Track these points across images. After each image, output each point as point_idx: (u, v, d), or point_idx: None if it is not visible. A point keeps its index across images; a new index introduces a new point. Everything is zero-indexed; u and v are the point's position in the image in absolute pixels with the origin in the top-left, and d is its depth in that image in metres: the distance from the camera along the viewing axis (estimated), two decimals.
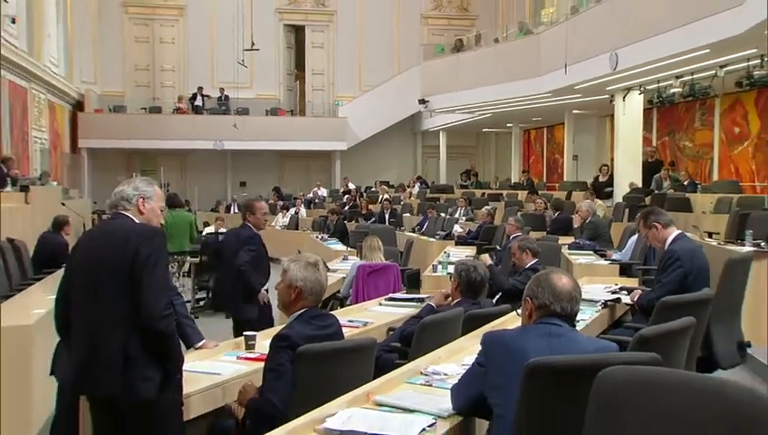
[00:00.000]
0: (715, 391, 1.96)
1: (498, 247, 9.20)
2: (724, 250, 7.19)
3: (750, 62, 11.58)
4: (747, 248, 7.14)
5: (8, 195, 10.26)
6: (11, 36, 15.10)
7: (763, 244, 7.56)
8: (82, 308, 3.09)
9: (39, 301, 5.72)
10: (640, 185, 14.48)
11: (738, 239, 8.13)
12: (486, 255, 6.39)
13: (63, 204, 11.37)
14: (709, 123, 15.89)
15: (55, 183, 14.84)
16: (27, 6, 16.84)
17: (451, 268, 5.07)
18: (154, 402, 2.98)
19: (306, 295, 3.31)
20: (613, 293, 5.42)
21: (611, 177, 15.15)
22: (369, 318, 4.94)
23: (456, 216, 14.23)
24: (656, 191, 13.53)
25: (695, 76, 13.04)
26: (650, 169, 14.31)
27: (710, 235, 8.76)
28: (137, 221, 3.16)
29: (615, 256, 7.96)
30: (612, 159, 16.15)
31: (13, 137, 15.15)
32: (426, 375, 3.23)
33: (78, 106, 22.34)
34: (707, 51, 11.27)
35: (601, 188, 14.77)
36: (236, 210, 19.96)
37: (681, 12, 11.42)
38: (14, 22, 15.14)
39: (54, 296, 3.32)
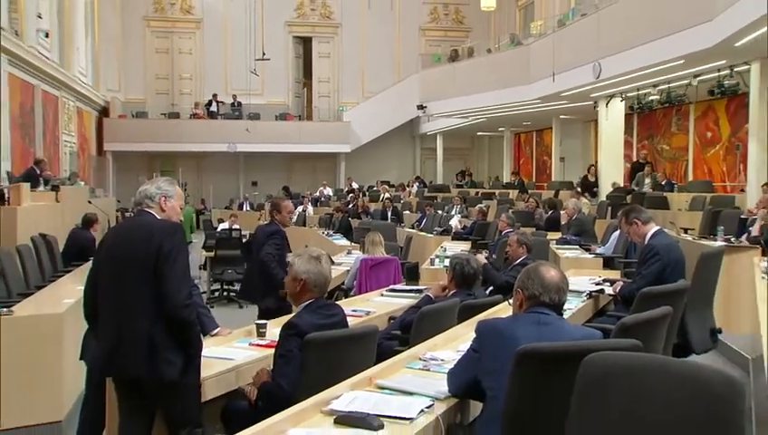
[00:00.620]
0: (691, 375, 1.97)
1: (491, 242, 9.21)
2: (699, 245, 7.21)
3: (720, 73, 11.63)
4: (719, 243, 7.17)
5: (41, 194, 10.27)
6: (44, 49, 15.23)
7: (733, 239, 7.59)
8: (110, 298, 3.10)
9: (69, 291, 5.73)
10: (622, 184, 14.49)
11: (711, 234, 8.15)
12: (481, 255, 6.34)
13: (90, 202, 11.39)
14: (684, 128, 15.89)
15: (83, 183, 14.87)
16: (59, 22, 16.97)
17: (447, 262, 5.06)
18: (176, 384, 2.99)
19: (310, 287, 3.31)
20: (597, 284, 5.41)
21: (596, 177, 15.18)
22: (372, 308, 4.93)
23: (452, 213, 14.22)
24: (635, 189, 13.56)
25: (671, 85, 13.09)
26: (640, 169, 14.22)
27: (685, 230, 8.78)
28: (159, 218, 3.16)
29: (599, 251, 7.95)
30: (596, 161, 16.16)
31: (45, 141, 15.22)
32: (424, 361, 3.23)
33: (103, 112, 22.39)
34: (682, 62, 11.32)
35: (591, 188, 14.74)
36: (248, 208, 20.02)
37: (658, 26, 11.47)
38: (47, 36, 15.25)
39: (83, 287, 3.33)
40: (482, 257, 6.07)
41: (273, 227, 5.84)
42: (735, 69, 11.32)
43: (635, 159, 15.04)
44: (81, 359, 4.06)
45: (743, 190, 11.86)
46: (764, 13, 8.38)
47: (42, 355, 4.68)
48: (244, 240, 10.83)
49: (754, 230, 7.91)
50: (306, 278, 3.30)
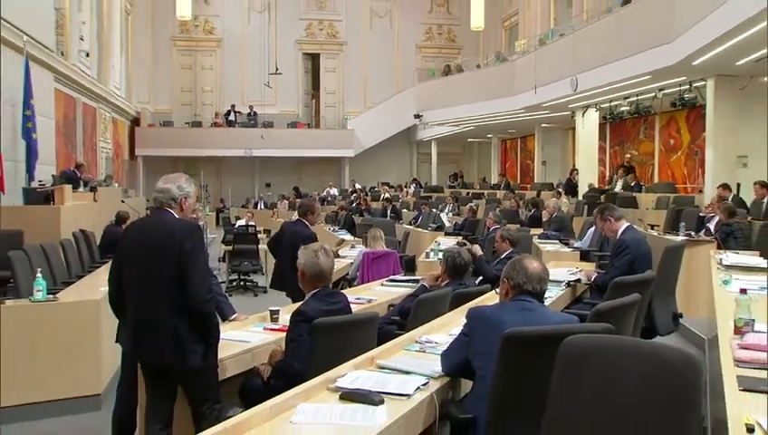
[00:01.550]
0: (656, 355, 2.00)
1: (480, 237, 9.18)
2: (663, 239, 7.22)
3: (681, 87, 11.74)
4: (681, 238, 7.18)
5: (81, 194, 10.30)
6: (85, 67, 15.37)
7: (693, 234, 7.60)
8: (135, 290, 3.05)
9: (105, 280, 5.69)
10: (596, 186, 14.46)
11: (674, 230, 8.15)
12: (477, 245, 6.27)
13: (123, 201, 11.37)
14: (651, 136, 15.89)
15: (117, 184, 14.91)
16: (98, 44, 17.15)
17: (441, 255, 5.03)
18: (198, 369, 2.99)
19: (308, 276, 3.29)
20: (574, 275, 5.40)
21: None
22: (373, 296, 4.89)
23: (445, 211, 14.19)
24: (608, 188, 13.54)
25: (639, 97, 13.13)
26: (627, 171, 13.92)
27: (652, 227, 8.79)
28: (177, 217, 3.10)
29: (576, 245, 7.92)
30: (574, 165, 16.15)
31: (85, 147, 15.31)
32: (420, 343, 3.21)
33: (135, 122, 22.42)
34: (648, 77, 11.39)
35: (574, 189, 14.62)
36: (263, 207, 20.01)
37: (627, 46, 11.58)
38: (87, 56, 15.50)
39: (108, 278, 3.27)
40: (478, 249, 6.02)
41: (306, 229, 5.75)
42: (694, 84, 11.45)
43: (620, 163, 14.63)
44: (116, 342, 4.05)
45: (701, 191, 11.90)
46: (717, 36, 8.52)
47: (82, 336, 4.73)
48: (259, 235, 10.85)
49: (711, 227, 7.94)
50: (303, 269, 3.29)
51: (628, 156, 15.29)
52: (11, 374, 4.46)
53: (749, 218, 8.23)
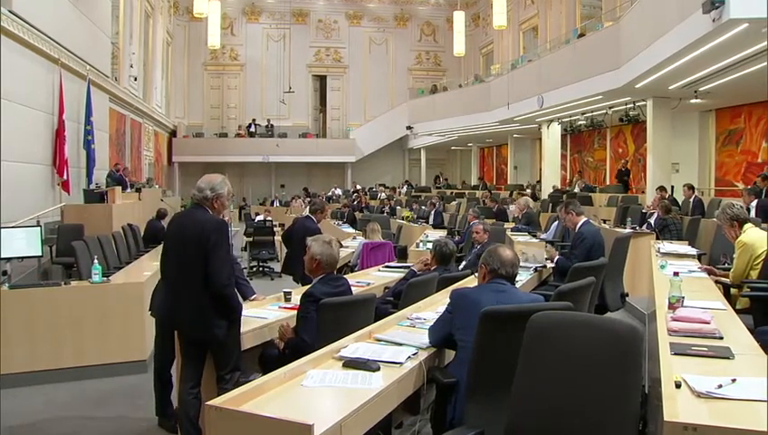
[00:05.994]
0: (607, 327, 2.00)
1: (462, 230, 9.17)
2: (614, 232, 7.23)
3: (627, 106, 11.82)
4: (627, 230, 7.20)
5: (128, 194, 10.36)
6: (133, 89, 15.52)
7: (637, 227, 7.62)
8: (174, 273, 3.06)
9: (147, 266, 5.76)
10: (559, 187, 14.46)
11: (622, 224, 8.17)
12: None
13: (162, 200, 11.39)
14: (603, 145, 15.92)
15: (157, 186, 14.96)
16: (144, 70, 17.22)
17: (429, 245, 5.00)
18: (222, 341, 2.98)
19: (324, 265, 3.28)
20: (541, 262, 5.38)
21: (539, 181, 15.03)
22: (371, 280, 4.88)
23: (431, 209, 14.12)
24: (568, 189, 13.53)
25: (593, 113, 13.13)
26: (622, 174, 13.62)
27: (604, 221, 8.81)
28: (210, 213, 3.08)
29: (542, 236, 7.91)
30: (540, 169, 16.15)
31: (131, 155, 15.42)
32: (411, 320, 3.19)
33: (173, 133, 22.38)
34: (600, 96, 11.44)
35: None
36: (278, 204, 19.97)
37: (583, 70, 11.65)
38: (135, 80, 15.70)
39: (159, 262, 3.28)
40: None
41: (313, 224, 5.70)
42: (637, 103, 11.52)
43: (621, 168, 13.97)
44: (149, 310, 4.01)
45: (643, 192, 11.95)
46: (653, 65, 8.64)
47: (130, 311, 4.79)
48: (275, 229, 10.82)
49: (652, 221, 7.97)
50: (320, 258, 3.27)
51: (623, 161, 14.46)
52: (75, 342, 4.61)
53: (680, 215, 8.28)
